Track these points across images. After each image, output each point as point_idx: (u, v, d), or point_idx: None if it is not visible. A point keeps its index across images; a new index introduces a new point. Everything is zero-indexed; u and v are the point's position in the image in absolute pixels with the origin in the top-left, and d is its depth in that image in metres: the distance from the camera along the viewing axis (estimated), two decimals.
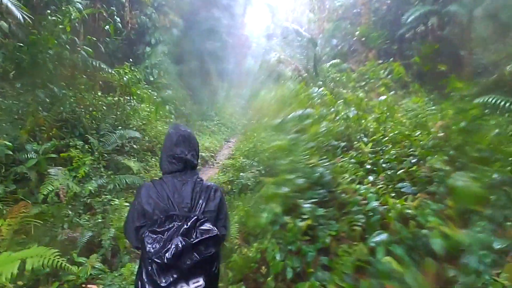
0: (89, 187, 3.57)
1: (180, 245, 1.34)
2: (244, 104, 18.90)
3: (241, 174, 5.07)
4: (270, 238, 2.81)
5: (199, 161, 1.83)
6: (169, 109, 11.24)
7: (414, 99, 5.54)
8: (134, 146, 7.11)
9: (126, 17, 10.53)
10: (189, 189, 1.63)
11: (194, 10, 15.16)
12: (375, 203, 2.65)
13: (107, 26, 6.41)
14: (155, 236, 1.41)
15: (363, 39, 12.41)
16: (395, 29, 11.77)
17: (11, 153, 4.40)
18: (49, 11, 5.53)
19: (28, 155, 4.57)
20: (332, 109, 5.94)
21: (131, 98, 6.90)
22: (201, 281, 1.36)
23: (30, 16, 5.13)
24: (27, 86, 4.91)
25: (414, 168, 3.23)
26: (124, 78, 5.82)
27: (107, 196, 4.92)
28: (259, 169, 5.12)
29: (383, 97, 4.91)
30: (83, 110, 6.13)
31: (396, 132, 4.09)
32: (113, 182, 5.31)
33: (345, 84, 10.11)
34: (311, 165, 3.26)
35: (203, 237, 1.39)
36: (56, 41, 5.31)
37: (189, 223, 1.43)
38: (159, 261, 1.32)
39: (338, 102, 4.99)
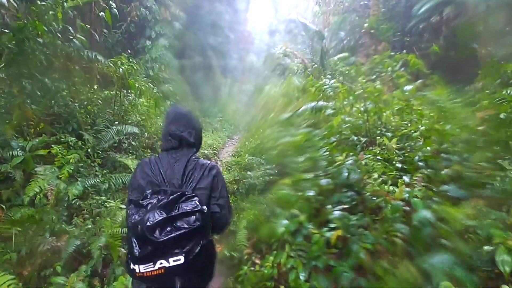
0: (74, 190, 3.09)
1: (154, 218, 1.30)
2: (248, 101, 18.47)
3: (248, 173, 4.60)
4: (289, 251, 2.35)
5: (199, 142, 1.81)
6: (171, 105, 10.80)
7: (437, 90, 5.04)
8: (133, 143, 6.66)
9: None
10: (181, 166, 1.61)
11: (197, 3, 14.71)
12: (424, 212, 2.15)
13: (102, 13, 5.93)
14: (138, 208, 1.40)
15: (372, 31, 11.90)
16: (406, 21, 11.31)
17: None
18: None
19: (14, 153, 4.12)
20: (345, 102, 5.47)
21: (129, 91, 6.43)
22: (181, 258, 1.31)
23: (18, 2, 4.72)
24: (13, 76, 4.46)
25: (455, 166, 2.75)
26: (120, 69, 5.34)
27: (101, 197, 4.49)
28: (268, 167, 4.66)
29: (408, 87, 4.42)
30: (77, 104, 5.68)
31: (424, 126, 3.61)
32: (108, 181, 4.87)
33: (355, 77, 9.62)
34: (336, 163, 2.78)
35: (181, 212, 1.35)
36: (45, 29, 4.84)
37: (170, 197, 1.40)
38: (135, 232, 1.31)
39: (356, 93, 4.52)
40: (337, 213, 2.32)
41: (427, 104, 4.78)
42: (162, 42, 11.58)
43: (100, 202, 4.41)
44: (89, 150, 5.02)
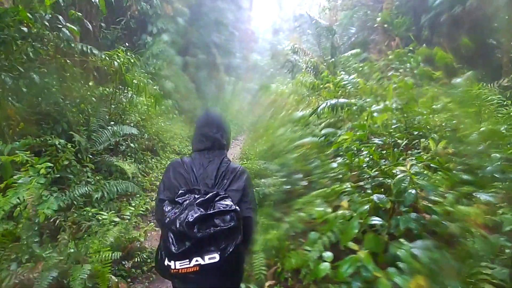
0: (46, 210, 2.44)
1: (194, 214, 1.32)
2: (252, 100, 17.94)
3: (262, 180, 3.97)
4: None
5: (228, 144, 1.84)
6: (173, 104, 10.20)
7: (475, 86, 4.39)
8: (131, 145, 6.06)
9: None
10: (214, 167, 1.64)
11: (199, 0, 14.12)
12: None
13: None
14: (173, 205, 1.42)
15: (385, 25, 11.26)
16: (422, 14, 10.68)
17: None
18: None
19: None
20: (368, 100, 4.85)
21: (126, 88, 5.81)
22: (216, 257, 1.32)
23: None
24: None
25: None
26: (115, 63, 4.72)
27: (92, 210, 3.88)
28: (285, 174, 4.02)
29: (458, 80, 3.78)
30: (68, 102, 5.06)
31: (482, 126, 2.96)
32: (101, 190, 4.27)
33: (368, 74, 8.98)
34: (398, 175, 2.12)
35: (219, 210, 1.37)
36: (30, 16, 4.23)
37: (207, 196, 1.42)
38: (173, 227, 1.32)
39: (387, 88, 3.89)
40: (417, 251, 1.64)
41: (465, 101, 4.13)
42: (164, 38, 10.97)
43: (90, 214, 3.81)
44: (79, 154, 4.40)
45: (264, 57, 22.89)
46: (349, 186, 2.37)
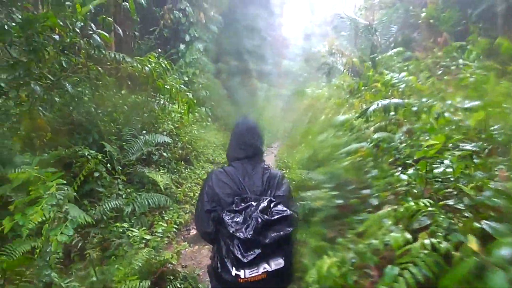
0: (59, 236, 2.09)
1: (260, 220, 1.32)
2: (285, 106, 17.50)
3: (309, 193, 3.47)
4: None
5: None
6: (206, 111, 9.97)
7: None
8: (164, 154, 5.80)
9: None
10: (259, 175, 1.63)
11: (231, 6, 13.99)
12: None
13: (126, 3, 5.12)
14: (233, 214, 1.41)
15: (431, 21, 10.42)
16: (469, 7, 9.78)
17: None
18: None
19: (17, 170, 3.31)
20: (424, 100, 4.23)
21: (159, 95, 5.58)
22: (282, 262, 1.35)
23: None
24: (19, 78, 3.69)
25: None
26: (146, 68, 4.47)
27: (123, 224, 3.59)
28: (332, 186, 3.49)
29: None
30: (100, 111, 4.88)
31: None
32: (132, 203, 3.97)
33: (414, 73, 8.22)
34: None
35: (281, 215, 1.37)
36: (61, 23, 4.08)
37: (265, 203, 1.41)
38: (241, 236, 1.30)
39: (488, 78, 3.26)
40: None
41: None
42: (197, 45, 10.84)
43: (121, 230, 3.52)
44: (109, 165, 4.16)
45: (296, 63, 22.47)
46: (429, 204, 1.83)
